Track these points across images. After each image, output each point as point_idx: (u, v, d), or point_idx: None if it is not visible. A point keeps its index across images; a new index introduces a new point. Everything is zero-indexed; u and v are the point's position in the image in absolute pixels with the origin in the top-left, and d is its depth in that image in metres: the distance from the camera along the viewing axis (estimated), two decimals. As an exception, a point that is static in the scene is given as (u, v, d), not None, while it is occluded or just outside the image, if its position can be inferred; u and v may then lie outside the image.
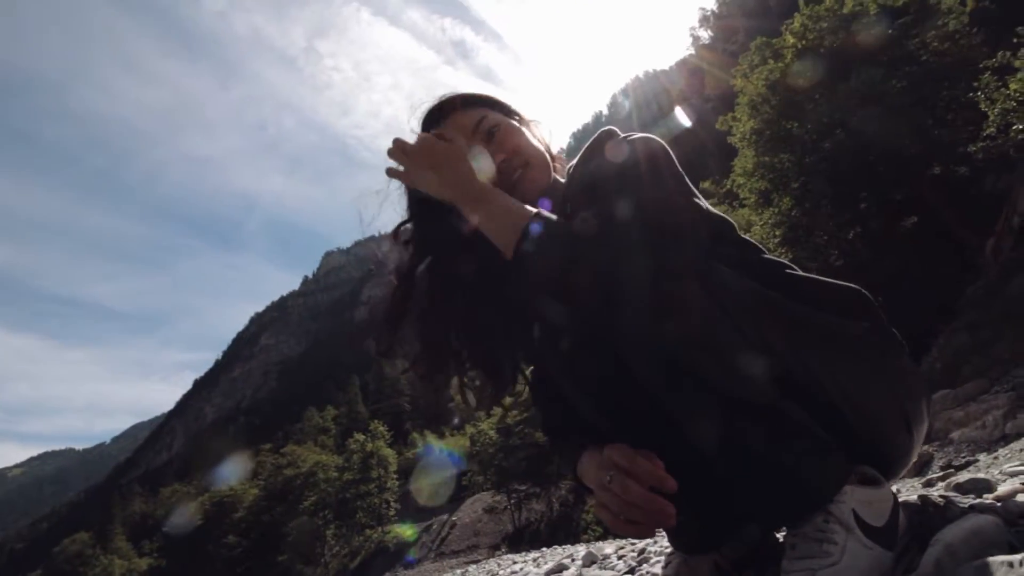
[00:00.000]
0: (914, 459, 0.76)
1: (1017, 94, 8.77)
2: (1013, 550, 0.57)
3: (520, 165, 0.86)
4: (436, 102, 0.92)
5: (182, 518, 50.43)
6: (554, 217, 0.73)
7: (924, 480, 1.34)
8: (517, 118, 0.95)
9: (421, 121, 0.92)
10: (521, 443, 28.81)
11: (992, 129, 9.25)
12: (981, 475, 0.80)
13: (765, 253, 0.81)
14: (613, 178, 0.75)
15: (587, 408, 0.82)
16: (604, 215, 0.71)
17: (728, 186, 14.98)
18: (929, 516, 0.70)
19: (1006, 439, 6.96)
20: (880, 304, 0.77)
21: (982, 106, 9.44)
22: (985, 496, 0.74)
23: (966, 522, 0.56)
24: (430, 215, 0.89)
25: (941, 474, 1.56)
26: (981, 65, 9.72)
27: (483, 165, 0.87)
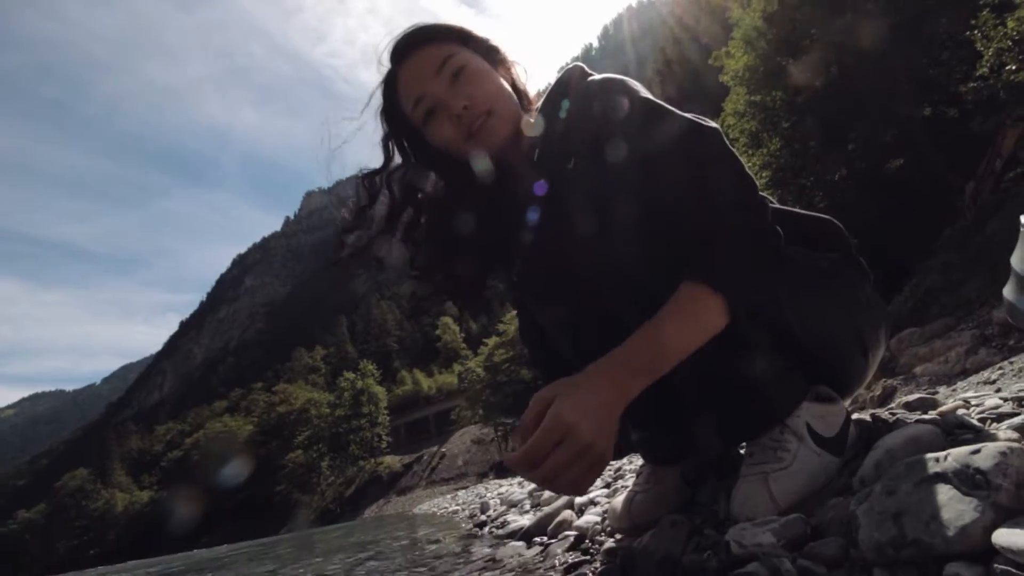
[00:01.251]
0: (869, 379, 0.84)
1: (1014, 33, 8.56)
2: (946, 454, 0.64)
3: (482, 113, 0.80)
4: (401, 36, 0.85)
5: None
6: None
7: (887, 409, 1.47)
8: (493, 54, 0.88)
9: (389, 56, 0.86)
10: (507, 380, 29.78)
11: (985, 69, 9.09)
12: (927, 395, 0.89)
13: None
14: (668, 167, 0.70)
15: (564, 342, 0.87)
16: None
17: (718, 126, 14.71)
18: (878, 429, 0.78)
19: (965, 373, 7.39)
20: (852, 236, 0.82)
21: (978, 45, 9.21)
22: (930, 412, 0.82)
23: (907, 430, 0.63)
24: (414, 153, 0.87)
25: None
26: (980, 1, 9.41)
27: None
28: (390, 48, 0.85)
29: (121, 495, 72.45)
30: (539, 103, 0.86)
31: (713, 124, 0.74)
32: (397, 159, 0.88)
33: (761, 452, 0.73)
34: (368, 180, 0.86)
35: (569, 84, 0.83)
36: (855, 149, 12.15)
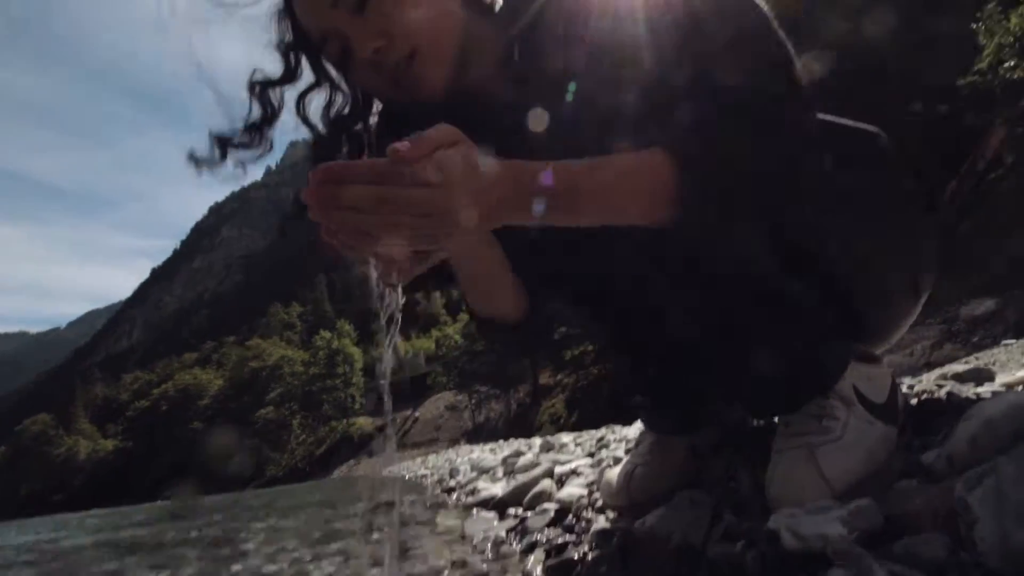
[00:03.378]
0: (908, 325, 0.70)
1: (1016, 29, 8.54)
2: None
3: (402, 58, 0.58)
4: None
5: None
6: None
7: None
8: None
9: None
10: (485, 349, 29.87)
11: (985, 63, 9.09)
12: (980, 365, 0.78)
13: None
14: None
15: (561, 286, 0.72)
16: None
17: None
18: (929, 402, 0.67)
19: (930, 366, 7.63)
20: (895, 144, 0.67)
21: (981, 38, 9.18)
22: (986, 384, 0.72)
23: (1007, 396, 0.50)
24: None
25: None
26: (983, -4, 9.35)
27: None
28: None
29: (84, 443, 71.58)
30: None
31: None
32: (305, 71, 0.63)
33: (802, 421, 0.59)
34: (261, 90, 0.62)
35: None
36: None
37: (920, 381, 0.87)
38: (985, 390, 0.67)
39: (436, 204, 0.43)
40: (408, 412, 43.23)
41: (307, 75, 0.64)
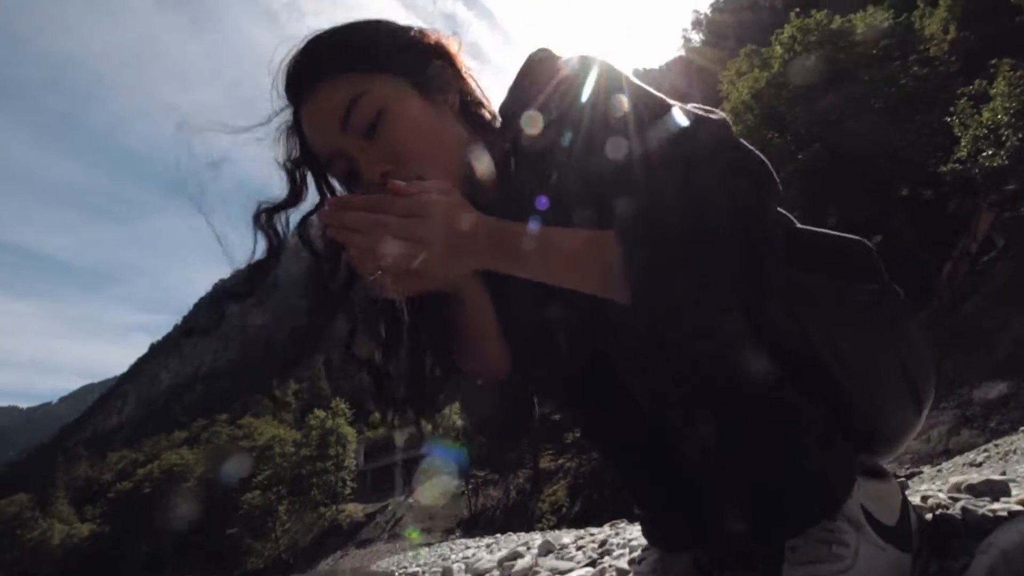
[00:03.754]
0: (914, 435, 0.68)
1: (988, 122, 9.12)
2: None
3: (410, 178, 0.60)
4: (290, 63, 0.63)
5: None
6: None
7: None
8: (429, 76, 0.65)
9: (284, 91, 0.65)
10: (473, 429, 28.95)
11: (963, 152, 9.60)
12: (994, 476, 0.74)
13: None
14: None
15: (561, 398, 0.74)
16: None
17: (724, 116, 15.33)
18: (944, 520, 0.63)
19: (948, 453, 7.30)
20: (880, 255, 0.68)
21: (956, 131, 9.78)
22: (1003, 499, 0.68)
23: (1022, 525, 0.48)
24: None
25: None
26: (959, 92, 10.09)
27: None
28: (282, 79, 0.64)
29: (59, 526, 67.19)
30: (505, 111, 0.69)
31: (718, 116, 0.60)
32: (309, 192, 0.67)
33: (809, 546, 0.55)
34: (267, 219, 0.64)
35: (535, 84, 0.64)
36: (836, 224, 12.54)
37: (933, 491, 0.82)
38: (1001, 507, 0.63)
39: (414, 232, 0.53)
40: (401, 499, 40.98)
41: (309, 198, 0.67)
